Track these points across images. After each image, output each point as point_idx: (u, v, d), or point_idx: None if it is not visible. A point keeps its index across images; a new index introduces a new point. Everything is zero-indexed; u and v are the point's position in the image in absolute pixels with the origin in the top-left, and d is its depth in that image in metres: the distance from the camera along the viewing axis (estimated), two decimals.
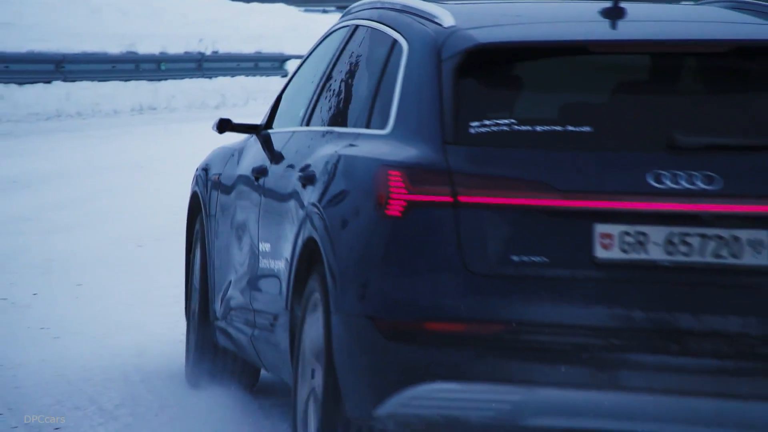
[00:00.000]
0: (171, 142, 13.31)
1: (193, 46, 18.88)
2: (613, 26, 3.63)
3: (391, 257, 3.31)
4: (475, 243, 3.29)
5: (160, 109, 17.08)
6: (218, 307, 4.59)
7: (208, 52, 19.15)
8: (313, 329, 3.49)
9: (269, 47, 20.62)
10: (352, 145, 3.57)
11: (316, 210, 3.51)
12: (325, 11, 37.75)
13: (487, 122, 3.38)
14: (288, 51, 21.11)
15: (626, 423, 3.26)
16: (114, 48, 16.93)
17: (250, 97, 19.21)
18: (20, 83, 15.03)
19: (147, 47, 17.58)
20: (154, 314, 5.83)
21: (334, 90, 4.02)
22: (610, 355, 3.23)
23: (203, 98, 18.20)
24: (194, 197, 4.99)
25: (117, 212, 8.74)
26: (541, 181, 3.27)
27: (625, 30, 3.63)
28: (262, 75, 20.25)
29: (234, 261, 4.44)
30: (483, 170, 3.29)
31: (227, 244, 4.55)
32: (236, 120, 4.48)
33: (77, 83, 15.86)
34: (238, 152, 4.69)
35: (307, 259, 3.57)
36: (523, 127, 3.35)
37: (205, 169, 4.98)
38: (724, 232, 3.29)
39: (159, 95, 17.26)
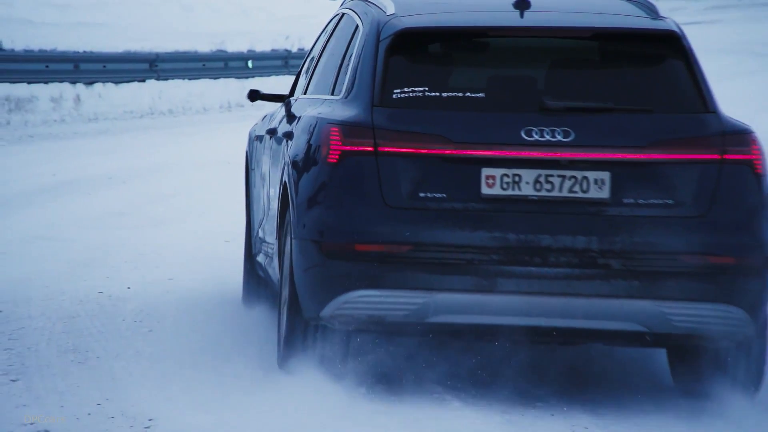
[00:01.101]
0: None
1: (280, 44, 19.19)
2: (516, 15, 4.74)
3: (329, 195, 4.46)
4: (391, 183, 4.46)
5: (248, 106, 17.44)
6: (254, 244, 5.68)
7: (294, 49, 19.45)
8: (288, 253, 4.62)
9: None
10: (316, 108, 4.71)
11: (288, 160, 4.65)
12: None
13: (406, 90, 4.55)
14: None
15: (503, 318, 4.44)
16: (204, 46, 17.32)
17: None
18: (116, 82, 15.49)
19: (236, 45, 17.95)
20: (241, 310, 6.03)
21: (321, 65, 5.16)
22: (490, 268, 4.43)
23: None
24: (246, 156, 6.10)
25: (206, 208, 9.04)
26: (441, 135, 4.46)
27: (519, 18, 4.72)
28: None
29: (260, 204, 5.55)
30: (398, 127, 4.48)
31: (258, 191, 5.65)
32: None
33: (169, 81, 16.28)
34: (270, 116, 5.69)
35: (284, 199, 4.69)
36: (432, 94, 4.53)
37: (251, 132, 6.08)
38: (576, 174, 4.48)
39: (247, 93, 17.63)
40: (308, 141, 4.58)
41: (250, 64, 18.23)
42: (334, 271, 4.48)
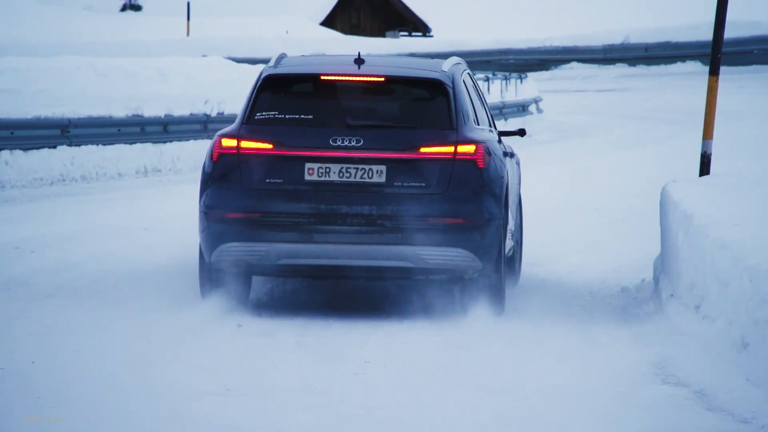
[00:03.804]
0: (176, 204, 13.23)
1: (199, 108, 18.89)
2: (353, 67, 7.46)
3: (212, 180, 7.20)
4: (248, 172, 7.13)
5: (165, 171, 17.05)
6: None
7: (214, 114, 19.16)
8: None
9: None
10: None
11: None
12: None
13: (263, 113, 7.27)
14: None
15: (319, 260, 7.10)
16: (120, 111, 16.94)
17: None
18: (25, 149, 15.01)
19: (153, 110, 17.60)
20: (151, 379, 5.68)
21: None
22: (310, 227, 7.09)
23: None
24: None
25: (119, 277, 8.61)
26: (280, 141, 7.16)
27: (351, 69, 7.43)
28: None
29: None
30: (253, 137, 7.18)
31: None
32: None
33: (82, 147, 15.85)
34: None
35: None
36: (279, 115, 7.26)
37: None
38: (365, 166, 7.14)
39: (164, 157, 17.23)
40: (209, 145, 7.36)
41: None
42: (214, 231, 7.19)
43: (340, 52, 39.68)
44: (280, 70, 7.43)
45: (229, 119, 19.86)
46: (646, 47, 36.62)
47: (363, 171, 7.12)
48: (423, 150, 7.16)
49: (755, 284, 5.79)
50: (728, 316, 6.16)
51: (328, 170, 7.10)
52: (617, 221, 12.27)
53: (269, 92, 7.31)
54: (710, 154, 9.18)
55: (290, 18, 53.37)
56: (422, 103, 7.40)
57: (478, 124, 7.68)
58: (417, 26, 60.14)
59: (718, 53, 8.94)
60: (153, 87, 18.43)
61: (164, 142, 17.57)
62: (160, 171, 16.92)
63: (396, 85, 7.43)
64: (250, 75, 21.65)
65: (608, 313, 7.74)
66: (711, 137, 9.14)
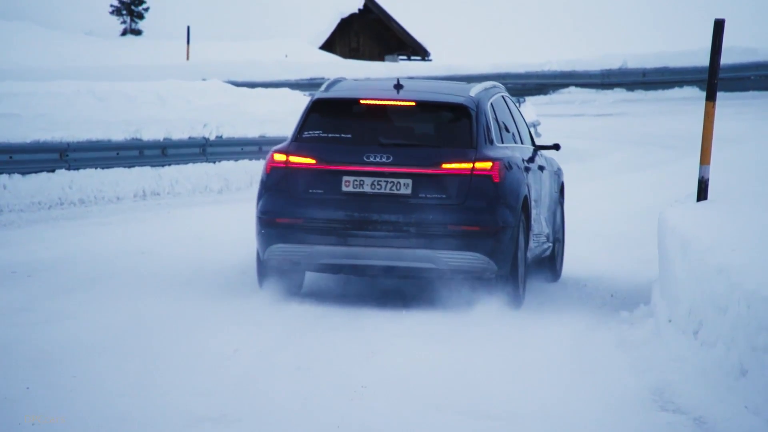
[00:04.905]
0: (174, 227, 13.21)
1: (198, 132, 18.89)
2: (392, 92, 8.65)
3: (265, 190, 8.47)
4: (294, 183, 8.37)
5: (164, 195, 17.02)
6: None
7: (212, 137, 19.16)
8: None
9: (274, 131, 20.64)
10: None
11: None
12: None
13: (312, 132, 8.50)
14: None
15: (354, 260, 8.25)
16: (119, 135, 16.93)
17: (253, 180, 19.16)
18: (24, 173, 14.98)
19: (151, 133, 17.60)
20: (148, 405, 5.64)
21: None
22: (346, 232, 8.24)
23: (207, 182, 18.16)
24: None
25: (116, 301, 8.58)
26: (321, 157, 8.34)
27: (389, 94, 8.60)
28: (266, 158, 20.23)
29: None
30: (300, 153, 8.41)
31: None
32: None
33: (81, 171, 15.81)
34: None
35: None
36: (323, 134, 8.46)
37: None
38: (393, 180, 8.26)
39: (162, 181, 17.21)
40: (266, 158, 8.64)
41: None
42: (266, 234, 8.44)
43: (347, 75, 40.03)
44: (328, 94, 8.67)
45: (229, 143, 19.83)
46: (644, 72, 36.69)
47: (392, 184, 8.26)
48: (445, 166, 8.26)
49: (753, 310, 5.77)
50: (726, 342, 6.13)
51: (362, 183, 8.26)
52: (615, 246, 12.25)
53: (317, 113, 8.55)
54: (708, 179, 9.17)
55: (290, 42, 53.54)
56: (447, 124, 8.49)
57: (502, 143, 8.74)
58: (416, 50, 60.31)
59: (714, 79, 8.96)
60: (152, 110, 18.45)
61: (163, 165, 17.55)
62: (158, 194, 16.89)
63: (425, 108, 8.54)
64: (249, 99, 21.68)
65: (606, 338, 7.72)
66: (708, 162, 9.13)
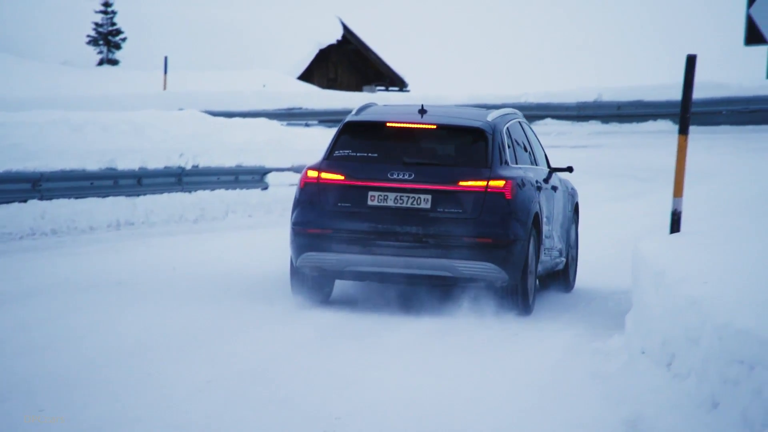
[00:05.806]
0: (149, 257, 13.13)
1: (174, 161, 18.85)
2: (416, 116, 9.60)
3: (299, 203, 9.42)
4: (326, 197, 9.34)
5: (138, 224, 16.94)
6: None
7: (189, 167, 19.11)
8: None
9: (250, 161, 20.62)
10: None
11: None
12: (307, 125, 37.87)
13: (341, 151, 9.48)
14: (269, 164, 21.11)
15: (377, 268, 9.24)
16: (93, 164, 16.85)
17: (229, 210, 19.12)
18: None
19: (126, 163, 17.54)
20: None
21: None
22: (371, 242, 9.20)
23: (182, 212, 18.09)
24: None
25: (88, 331, 8.50)
26: (349, 174, 9.32)
27: (413, 118, 9.54)
28: (242, 188, 20.22)
29: None
30: (330, 170, 9.41)
31: None
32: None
33: (54, 201, 15.72)
34: None
35: None
36: (352, 153, 9.43)
37: None
38: (414, 195, 9.21)
39: (137, 210, 17.12)
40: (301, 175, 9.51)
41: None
42: (299, 243, 9.36)
43: (325, 106, 39.99)
44: (358, 117, 9.66)
45: (205, 172, 19.81)
46: (619, 105, 36.94)
47: (413, 199, 9.17)
48: (461, 183, 9.17)
49: (724, 342, 5.79)
50: (698, 374, 6.14)
51: (385, 197, 9.18)
52: (589, 277, 12.28)
53: (348, 135, 9.51)
54: (680, 211, 9.23)
55: (267, 72, 53.62)
56: (465, 146, 9.38)
57: (516, 163, 9.67)
58: (394, 81, 60.50)
59: (687, 113, 9.03)
60: (127, 140, 18.40)
61: (138, 195, 17.48)
62: (132, 224, 16.81)
63: (445, 131, 9.46)
64: (226, 128, 21.67)
65: (579, 370, 7.72)
66: (681, 195, 9.19)
